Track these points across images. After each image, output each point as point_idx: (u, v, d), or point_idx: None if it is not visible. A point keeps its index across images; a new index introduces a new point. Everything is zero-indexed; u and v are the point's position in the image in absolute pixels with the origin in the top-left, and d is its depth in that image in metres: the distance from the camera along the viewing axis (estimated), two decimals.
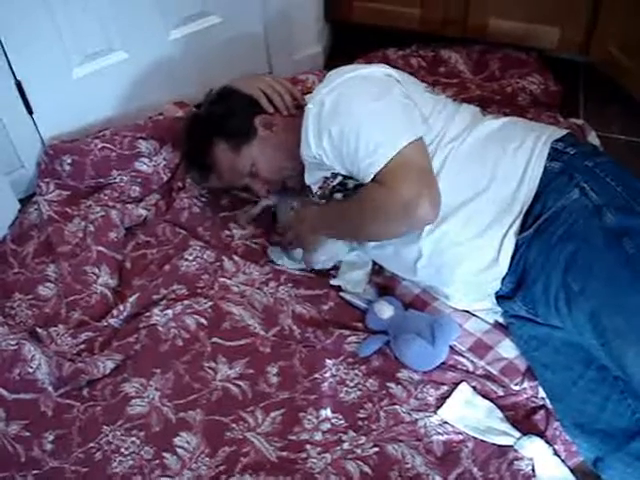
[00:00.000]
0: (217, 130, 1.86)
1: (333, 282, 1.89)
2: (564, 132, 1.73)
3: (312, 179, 1.82)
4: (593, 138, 2.16)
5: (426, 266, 1.72)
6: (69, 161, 2.10)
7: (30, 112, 2.11)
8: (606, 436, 1.55)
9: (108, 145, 2.12)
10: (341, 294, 1.88)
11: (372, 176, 1.59)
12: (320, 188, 1.81)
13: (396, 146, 1.57)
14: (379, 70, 1.72)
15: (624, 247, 1.51)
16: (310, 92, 2.09)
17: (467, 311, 1.79)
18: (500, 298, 1.71)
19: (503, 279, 1.66)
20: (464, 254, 1.66)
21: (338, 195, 1.77)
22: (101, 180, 2.12)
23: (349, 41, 2.60)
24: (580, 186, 1.59)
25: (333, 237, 1.82)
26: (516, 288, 1.66)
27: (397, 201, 1.57)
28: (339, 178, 1.74)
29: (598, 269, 1.52)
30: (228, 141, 1.85)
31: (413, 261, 1.73)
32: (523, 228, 1.62)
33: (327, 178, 1.76)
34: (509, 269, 1.64)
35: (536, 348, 1.67)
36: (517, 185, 1.63)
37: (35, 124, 2.14)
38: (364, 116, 1.62)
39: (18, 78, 2.04)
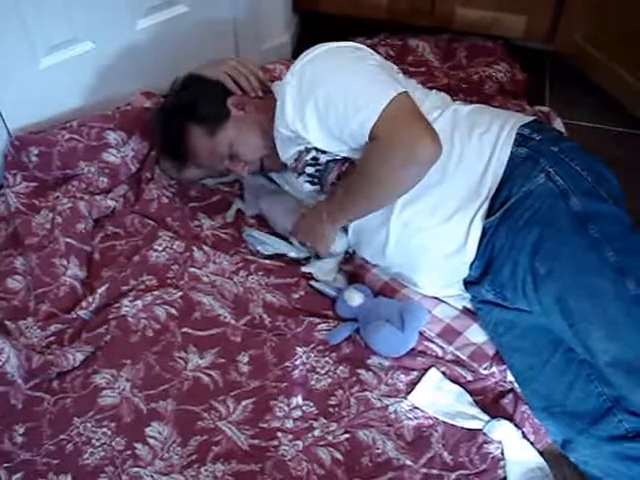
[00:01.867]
0: (190, 117, 1.84)
1: (304, 269, 1.90)
2: (530, 119, 1.75)
3: (286, 155, 1.81)
4: (559, 125, 2.17)
5: (395, 251, 1.73)
6: (36, 152, 2.08)
7: None
8: (573, 418, 1.57)
9: (75, 136, 2.10)
10: (311, 283, 1.88)
11: (368, 132, 1.58)
12: (295, 161, 1.79)
13: (386, 98, 1.56)
14: (350, 44, 1.74)
15: (589, 231, 1.53)
16: (276, 80, 2.11)
17: (436, 297, 1.80)
18: (468, 284, 1.73)
19: (471, 264, 1.68)
20: (431, 240, 1.68)
21: (310, 169, 1.77)
22: (68, 171, 2.10)
23: (317, 31, 2.58)
24: (546, 171, 1.61)
25: (356, 218, 1.77)
26: (484, 273, 1.67)
27: (401, 149, 1.56)
28: (312, 153, 1.74)
29: (564, 252, 1.54)
30: (203, 126, 1.83)
31: (382, 246, 1.74)
32: (490, 213, 1.63)
33: (301, 152, 1.76)
34: (477, 254, 1.66)
35: (504, 333, 1.69)
36: (483, 170, 1.65)
37: (1, 115, 2.10)
38: (348, 79, 1.63)
39: None
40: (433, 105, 1.73)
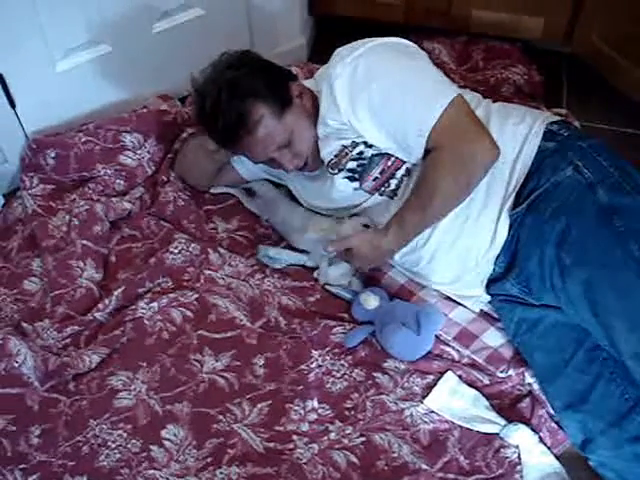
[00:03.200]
0: (260, 95, 1.69)
1: (316, 276, 1.90)
2: (558, 118, 1.76)
3: (328, 149, 1.75)
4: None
5: (427, 248, 1.73)
6: (53, 155, 2.09)
7: (13, 106, 2.09)
8: (595, 417, 1.57)
9: (92, 139, 2.11)
10: (326, 287, 1.88)
11: (427, 133, 1.58)
12: (335, 157, 1.74)
13: (445, 100, 1.57)
14: (401, 40, 1.73)
15: (615, 224, 1.54)
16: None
17: (453, 300, 1.80)
18: (491, 281, 1.73)
19: (496, 259, 1.68)
20: (463, 235, 1.68)
21: (353, 164, 1.73)
22: (85, 174, 2.11)
23: (332, 34, 2.59)
24: (574, 164, 1.61)
25: (417, 234, 1.73)
26: (509, 267, 1.68)
27: (461, 154, 1.58)
28: (360, 147, 1.71)
29: (590, 243, 1.55)
30: (272, 106, 1.70)
31: (414, 245, 1.75)
32: (516, 204, 1.64)
33: (345, 147, 1.72)
34: (502, 247, 1.66)
35: (526, 331, 1.69)
36: (514, 159, 1.66)
37: (18, 118, 2.12)
38: (404, 76, 1.63)
39: (0, 71, 2.02)
40: (470, 100, 1.71)
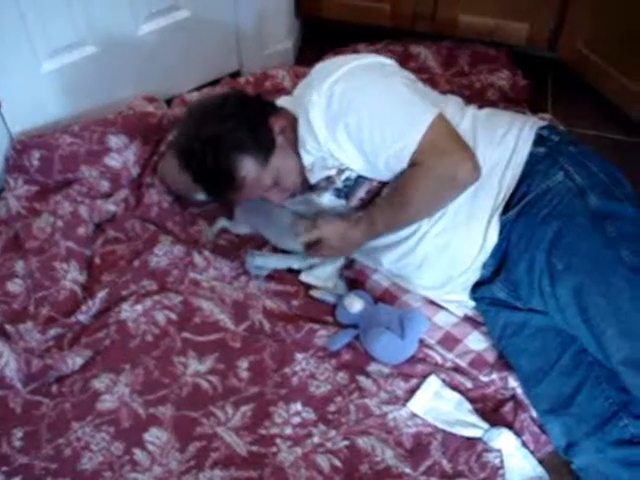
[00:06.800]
0: (246, 147, 1.67)
1: (302, 278, 1.90)
2: (546, 123, 1.77)
3: (315, 178, 1.77)
4: None
5: (415, 255, 1.74)
6: (37, 156, 2.08)
7: None
8: (580, 421, 1.57)
9: (77, 140, 2.10)
10: (311, 293, 1.88)
11: (408, 159, 1.58)
12: (323, 184, 1.76)
13: (423, 124, 1.57)
14: (377, 59, 1.73)
15: (606, 230, 1.55)
16: (280, 90, 2.08)
17: (436, 304, 1.80)
18: (477, 284, 1.74)
19: (484, 263, 1.68)
20: (453, 242, 1.69)
21: (339, 184, 1.73)
22: (70, 175, 2.10)
23: (319, 37, 2.61)
24: (565, 169, 1.62)
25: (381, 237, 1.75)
26: (497, 270, 1.68)
27: (441, 175, 1.58)
28: (346, 173, 1.71)
29: (582, 248, 1.55)
30: (257, 156, 1.69)
31: (403, 252, 1.76)
32: (506, 209, 1.65)
33: (331, 176, 1.73)
34: (491, 252, 1.67)
35: (513, 334, 1.69)
36: (504, 169, 1.66)
37: (3, 118, 2.11)
38: (381, 103, 1.62)
39: None
40: (453, 111, 1.72)
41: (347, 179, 1.73)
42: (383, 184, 1.71)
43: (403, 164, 1.60)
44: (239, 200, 1.85)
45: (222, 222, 2.00)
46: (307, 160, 1.74)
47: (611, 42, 2.21)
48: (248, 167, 1.68)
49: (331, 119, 1.63)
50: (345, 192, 1.76)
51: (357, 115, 1.61)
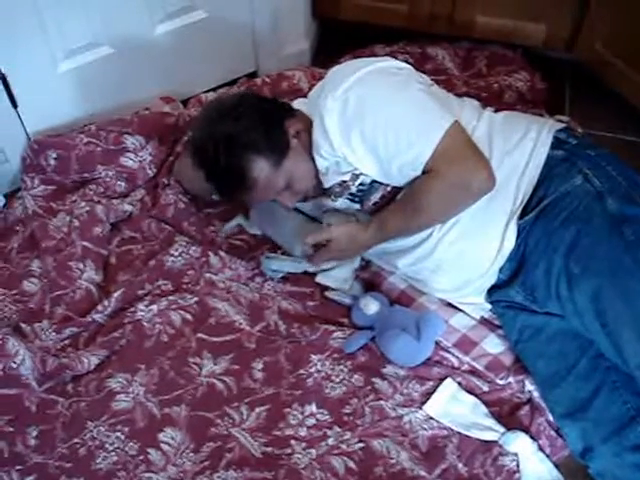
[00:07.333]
0: (260, 147, 1.66)
1: (318, 279, 1.89)
2: (564, 125, 1.75)
3: (329, 183, 1.75)
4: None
5: (432, 259, 1.73)
6: (54, 156, 2.09)
7: (15, 106, 2.09)
8: (596, 425, 1.56)
9: (93, 140, 2.11)
10: (326, 294, 1.87)
11: (422, 167, 1.57)
12: (337, 190, 1.75)
13: (439, 132, 1.55)
14: (391, 63, 1.70)
15: (624, 233, 1.53)
16: (296, 91, 2.08)
17: (453, 307, 1.79)
18: (494, 287, 1.72)
19: (501, 267, 1.67)
20: (470, 246, 1.67)
21: (353, 189, 1.73)
22: (86, 175, 2.11)
23: (336, 38, 2.60)
24: (583, 172, 1.61)
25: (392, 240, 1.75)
26: (514, 274, 1.67)
27: (455, 183, 1.57)
28: (360, 178, 1.70)
29: (599, 252, 1.54)
30: (271, 158, 1.67)
31: (419, 255, 1.74)
32: (524, 213, 1.63)
33: (346, 181, 1.72)
34: (508, 256, 1.65)
35: (530, 337, 1.68)
36: (521, 174, 1.64)
37: (20, 118, 2.12)
38: (397, 109, 1.60)
39: (3, 72, 2.02)
40: (470, 114, 1.71)
41: (361, 184, 1.72)
42: (397, 189, 1.70)
43: (417, 171, 1.59)
44: (251, 201, 1.85)
45: (239, 219, 2.01)
46: (321, 164, 1.73)
47: (630, 43, 2.19)
48: (260, 168, 1.66)
49: (346, 125, 1.61)
50: (359, 197, 1.75)
51: (372, 121, 1.59)
